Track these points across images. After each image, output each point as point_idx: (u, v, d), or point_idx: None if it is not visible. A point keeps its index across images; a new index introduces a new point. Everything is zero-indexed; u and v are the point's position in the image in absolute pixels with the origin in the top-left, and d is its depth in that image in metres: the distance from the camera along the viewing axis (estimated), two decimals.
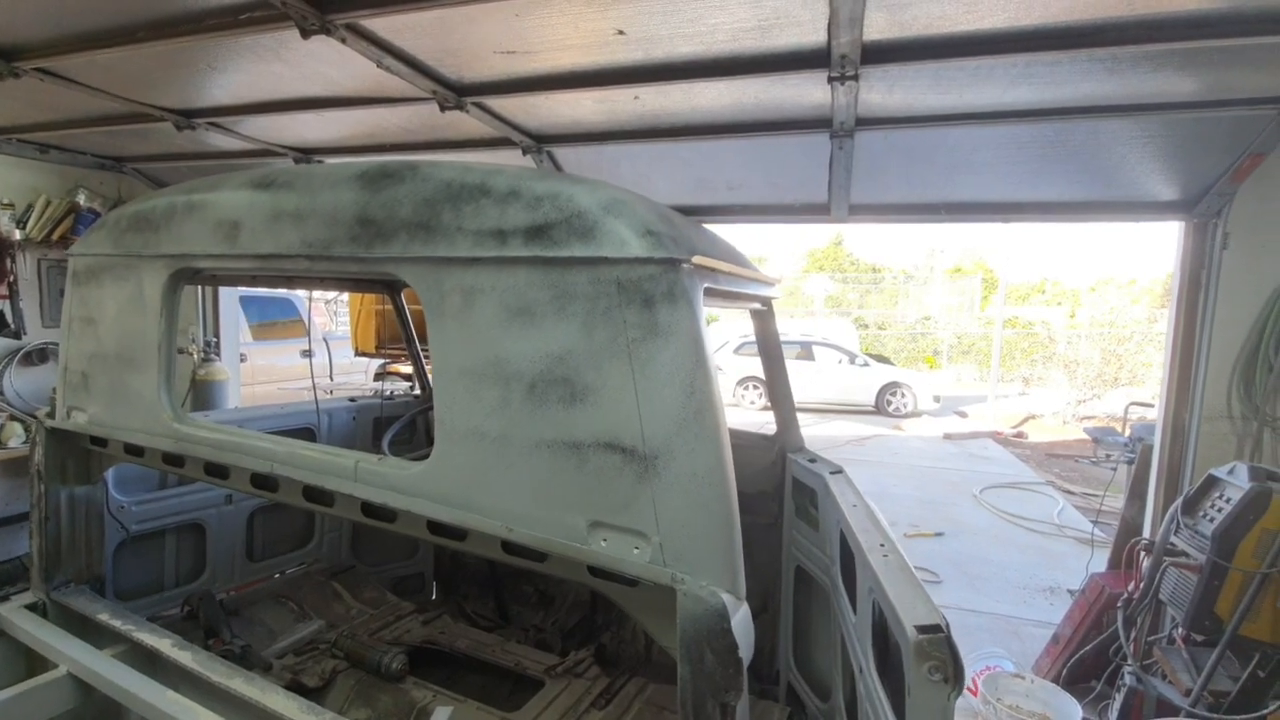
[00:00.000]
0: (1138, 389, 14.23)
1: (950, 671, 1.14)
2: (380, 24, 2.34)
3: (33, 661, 2.21)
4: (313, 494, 1.67)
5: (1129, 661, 3.35)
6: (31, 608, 2.21)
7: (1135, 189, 3.47)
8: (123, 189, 5.48)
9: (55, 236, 5.12)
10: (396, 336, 7.77)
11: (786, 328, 19.07)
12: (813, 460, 2.50)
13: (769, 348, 2.45)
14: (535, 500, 1.30)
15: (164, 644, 1.93)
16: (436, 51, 2.60)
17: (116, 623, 2.04)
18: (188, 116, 3.55)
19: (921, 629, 1.17)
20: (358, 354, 7.62)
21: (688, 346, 1.18)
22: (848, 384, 16.27)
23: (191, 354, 5.22)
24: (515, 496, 1.32)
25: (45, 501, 2.18)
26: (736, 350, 16.61)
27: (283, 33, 2.36)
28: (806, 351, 16.84)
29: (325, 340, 11.20)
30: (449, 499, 1.40)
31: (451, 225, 1.35)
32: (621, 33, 2.34)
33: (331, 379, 10.72)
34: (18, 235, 4.81)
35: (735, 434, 2.96)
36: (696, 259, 1.24)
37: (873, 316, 27.53)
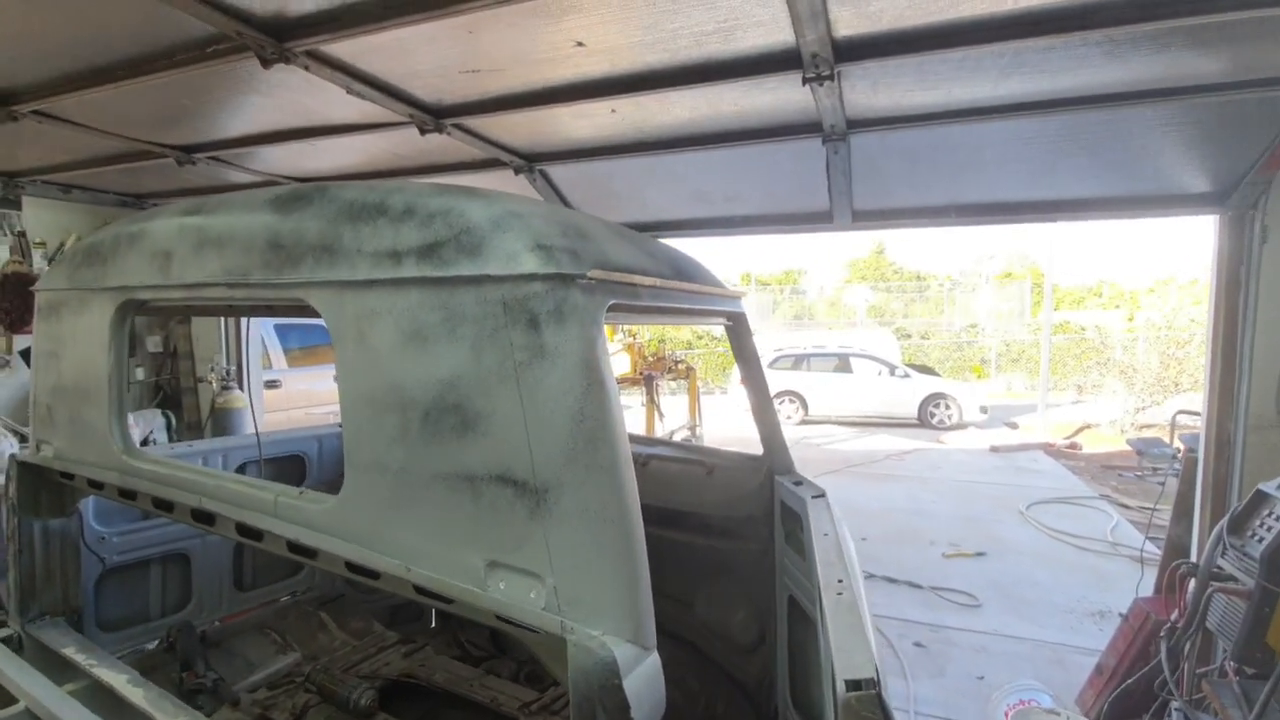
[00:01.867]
0: (1200, 395, 13.34)
1: None
2: (340, 49, 2.33)
3: (6, 696, 2.23)
4: (244, 529, 1.62)
5: (1176, 697, 3.04)
6: (6, 641, 2.22)
7: (1161, 181, 3.22)
8: None
9: None
10: None
11: (823, 339, 18.67)
12: (798, 483, 2.34)
13: (747, 364, 2.32)
14: (435, 538, 1.21)
15: (119, 680, 1.90)
16: (404, 74, 2.59)
17: (80, 657, 2.03)
18: (188, 152, 3.65)
19: (851, 684, 1.02)
20: None
21: (577, 369, 1.07)
22: (888, 396, 15.76)
23: (211, 383, 5.35)
24: (417, 533, 1.23)
25: (19, 534, 2.20)
26: (772, 364, 16.30)
27: (249, 63, 2.37)
28: (844, 363, 16.42)
29: None
30: (357, 536, 1.32)
31: (352, 247, 1.29)
32: (581, 44, 2.27)
33: None
34: None
35: (722, 455, 2.83)
36: (596, 273, 1.14)
37: (917, 326, 26.77)
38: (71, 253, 2.00)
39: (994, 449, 12.69)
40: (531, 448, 1.08)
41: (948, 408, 15.26)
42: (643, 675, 1.02)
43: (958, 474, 10.79)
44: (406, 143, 3.44)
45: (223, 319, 5.64)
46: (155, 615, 2.73)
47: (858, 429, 15.01)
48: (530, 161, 3.69)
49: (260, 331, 7.53)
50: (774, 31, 2.16)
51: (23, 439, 4.82)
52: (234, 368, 5.54)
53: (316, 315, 1.36)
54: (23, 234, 4.96)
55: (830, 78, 2.36)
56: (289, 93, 2.74)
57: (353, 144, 3.49)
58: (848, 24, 2.09)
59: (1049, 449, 12.63)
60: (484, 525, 1.14)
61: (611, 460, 1.07)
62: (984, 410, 15.27)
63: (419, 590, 1.30)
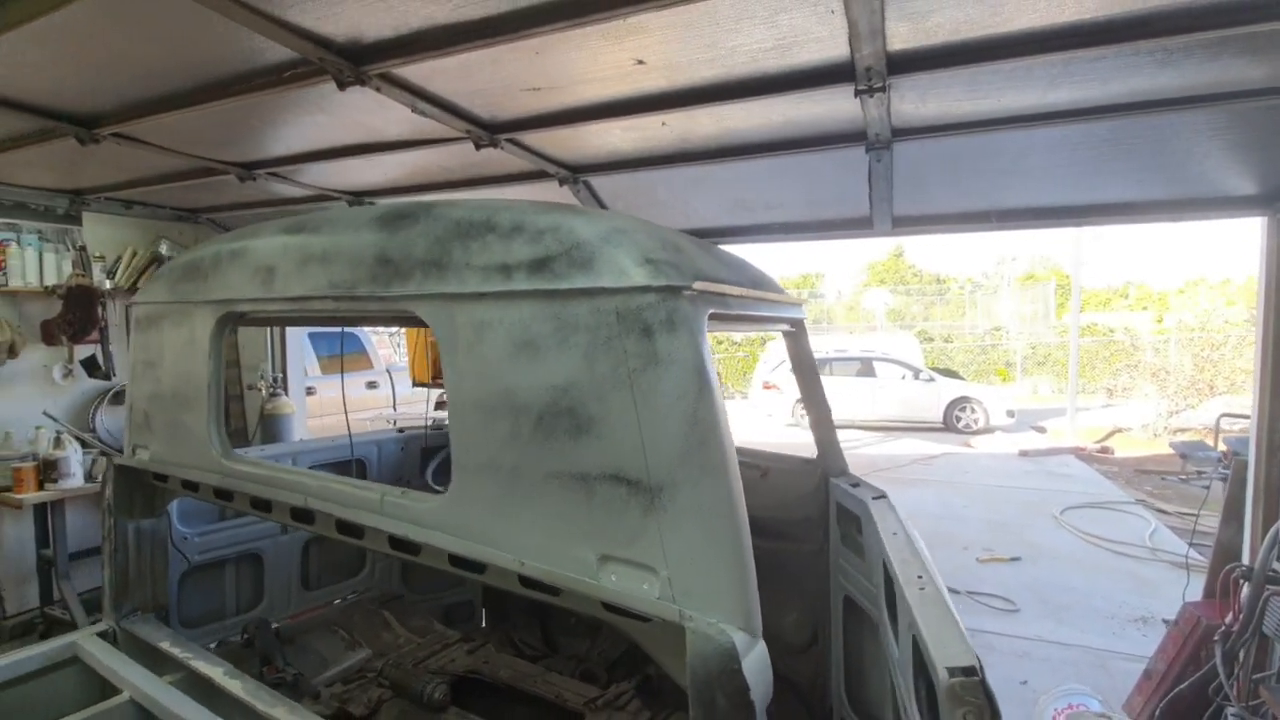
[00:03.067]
0: (1237, 398, 13.11)
1: (986, 718, 1.05)
2: (411, 71, 2.45)
3: (106, 687, 2.35)
4: (345, 527, 1.72)
5: (1231, 702, 3.03)
6: (103, 635, 2.34)
7: (1205, 185, 3.23)
8: (199, 238, 5.92)
9: (140, 284, 5.57)
10: None
11: (846, 344, 18.60)
12: (855, 484, 2.40)
13: (804, 369, 2.39)
14: (547, 533, 1.29)
15: (216, 672, 2.01)
16: (467, 93, 2.70)
17: (176, 650, 2.14)
18: (248, 168, 3.80)
19: (953, 671, 1.08)
20: (415, 385, 7.91)
21: (689, 375, 1.15)
22: (912, 400, 15.68)
23: (260, 390, 5.51)
24: (528, 529, 1.31)
25: (115, 534, 2.32)
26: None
27: (322, 86, 2.49)
28: (867, 367, 16.36)
29: (389, 372, 11.65)
30: (466, 532, 1.41)
31: (461, 261, 1.38)
32: (641, 62, 2.36)
33: (395, 409, 11.14)
34: (108, 285, 5.24)
35: (776, 458, 2.89)
36: (698, 285, 1.22)
37: (938, 329, 26.55)
38: (170, 268, 2.13)
39: (1023, 453, 12.57)
40: (645, 449, 1.16)
41: (973, 411, 15.14)
42: (755, 660, 1.09)
43: (987, 478, 10.71)
44: (455, 156, 3.56)
45: (270, 329, 5.82)
46: (230, 613, 2.85)
47: (882, 433, 14.93)
48: (575, 172, 3.79)
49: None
50: (830, 47, 2.23)
51: (85, 445, 5.01)
52: (281, 375, 5.70)
53: (422, 325, 1.45)
54: (83, 248, 5.16)
55: (882, 90, 2.42)
56: (353, 112, 2.86)
57: (405, 159, 3.61)
58: (903, 39, 2.16)
59: (1080, 453, 12.48)
60: (597, 521, 1.22)
61: (722, 460, 1.14)
62: (1011, 414, 15.12)
63: (524, 582, 1.39)
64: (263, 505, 1.96)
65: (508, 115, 2.96)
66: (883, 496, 2.19)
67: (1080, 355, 17.45)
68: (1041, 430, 15.27)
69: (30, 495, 4.57)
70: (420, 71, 2.45)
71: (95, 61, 2.51)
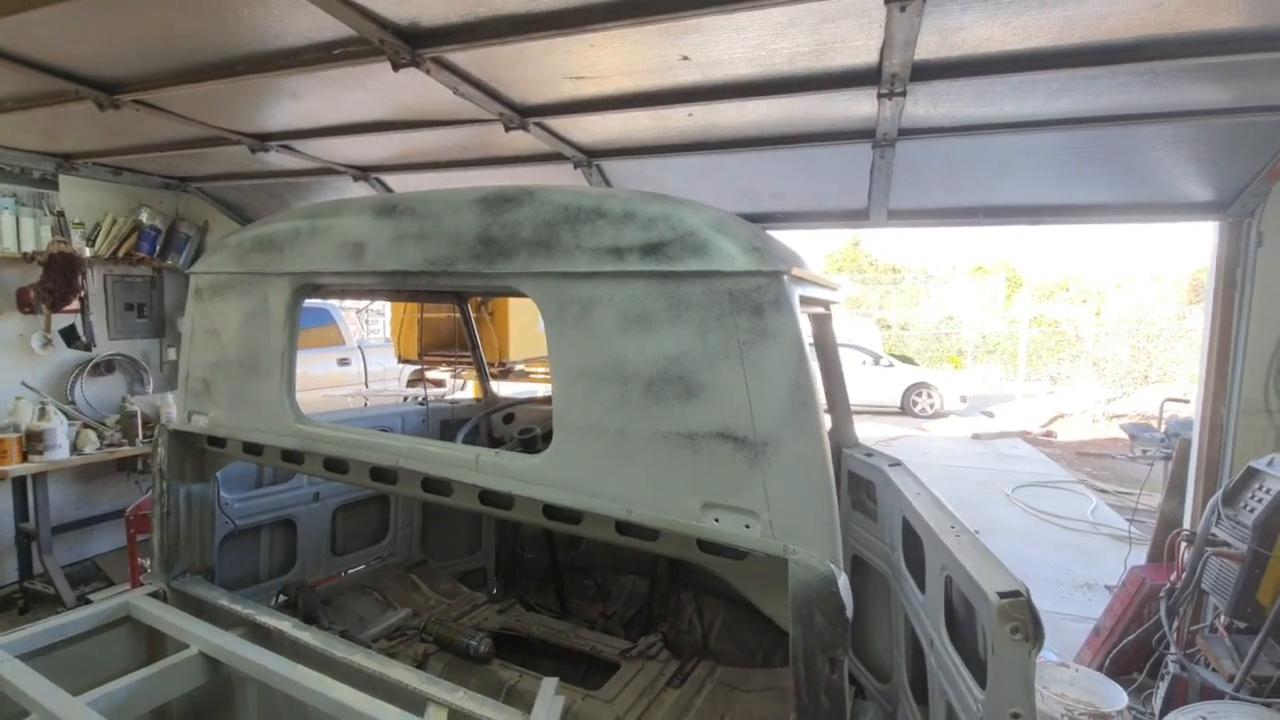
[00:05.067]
0: (1169, 386, 14.12)
1: (1030, 631, 1.28)
2: (463, 56, 2.54)
3: (153, 644, 2.43)
4: (431, 485, 1.86)
5: (1172, 650, 3.44)
6: (154, 595, 2.42)
7: (1169, 190, 3.57)
8: (180, 207, 5.78)
9: (121, 253, 5.42)
10: (437, 344, 8.02)
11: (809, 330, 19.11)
12: (869, 454, 2.64)
13: (827, 348, 2.60)
14: (651, 485, 1.47)
15: (285, 625, 2.13)
16: (509, 79, 2.79)
17: (237, 607, 2.24)
18: (261, 139, 3.79)
19: (1003, 594, 1.31)
20: (400, 360, 7.91)
21: (792, 348, 1.34)
22: (872, 385, 16.26)
23: None
24: (632, 482, 1.49)
25: (167, 498, 2.39)
26: None
27: (370, 65, 2.56)
28: None
29: (360, 348, 11.50)
30: (568, 486, 1.57)
31: (570, 244, 1.53)
32: (686, 58, 2.51)
33: (367, 385, 11.01)
34: (88, 253, 5.09)
35: None
36: (796, 271, 1.40)
37: (895, 317, 27.43)
38: (236, 240, 2.19)
39: (976, 436, 13.28)
40: (753, 410, 1.34)
41: (929, 396, 15.84)
42: (844, 585, 1.31)
43: (944, 460, 11.31)
44: (478, 136, 3.63)
45: None
46: (265, 576, 2.93)
47: None
48: (590, 157, 3.91)
49: None
50: (863, 54, 2.42)
51: (68, 416, 4.91)
52: None
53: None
54: (61, 214, 4.99)
55: (901, 94, 2.64)
56: (395, 91, 2.92)
57: (424, 135, 3.66)
58: (931, 50, 2.37)
59: (1027, 436, 13.26)
60: (702, 474, 1.41)
61: (816, 420, 1.34)
62: (963, 399, 15.88)
63: (621, 529, 1.56)
64: (336, 466, 2.08)
65: (541, 100, 3.06)
66: (899, 464, 2.44)
67: (1028, 344, 18.42)
68: (991, 415, 16.11)
69: (13, 467, 4.46)
70: (472, 57, 2.54)
71: (135, 31, 2.51)
